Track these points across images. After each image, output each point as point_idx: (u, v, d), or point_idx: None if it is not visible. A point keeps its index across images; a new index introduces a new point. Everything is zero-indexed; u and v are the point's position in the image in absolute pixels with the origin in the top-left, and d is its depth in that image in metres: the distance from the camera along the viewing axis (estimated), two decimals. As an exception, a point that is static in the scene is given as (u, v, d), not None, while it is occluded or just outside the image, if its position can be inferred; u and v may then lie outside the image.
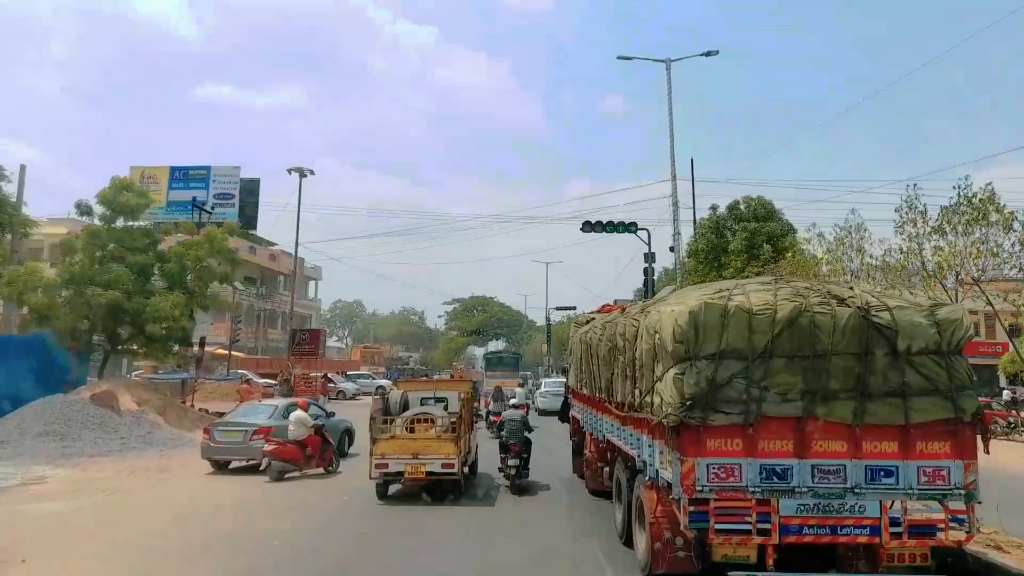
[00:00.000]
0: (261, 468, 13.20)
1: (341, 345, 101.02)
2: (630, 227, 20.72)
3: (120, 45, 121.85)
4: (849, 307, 5.70)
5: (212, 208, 49.22)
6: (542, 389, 29.97)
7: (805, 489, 5.54)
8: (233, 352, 48.16)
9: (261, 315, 51.38)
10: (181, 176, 49.60)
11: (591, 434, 10.68)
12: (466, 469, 11.60)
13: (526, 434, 11.98)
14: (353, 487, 11.84)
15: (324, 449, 13.59)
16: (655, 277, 22.17)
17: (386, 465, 10.63)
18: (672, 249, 24.04)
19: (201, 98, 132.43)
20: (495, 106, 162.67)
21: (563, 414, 14.82)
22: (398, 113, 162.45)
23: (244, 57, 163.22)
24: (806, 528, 5.54)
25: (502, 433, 12.04)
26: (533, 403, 27.55)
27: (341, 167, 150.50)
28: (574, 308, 53.74)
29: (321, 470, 13.51)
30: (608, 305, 13.19)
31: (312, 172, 36.86)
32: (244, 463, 14.20)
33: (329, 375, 39.07)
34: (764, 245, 25.24)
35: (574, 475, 13.00)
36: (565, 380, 18.33)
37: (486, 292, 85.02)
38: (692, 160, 39.53)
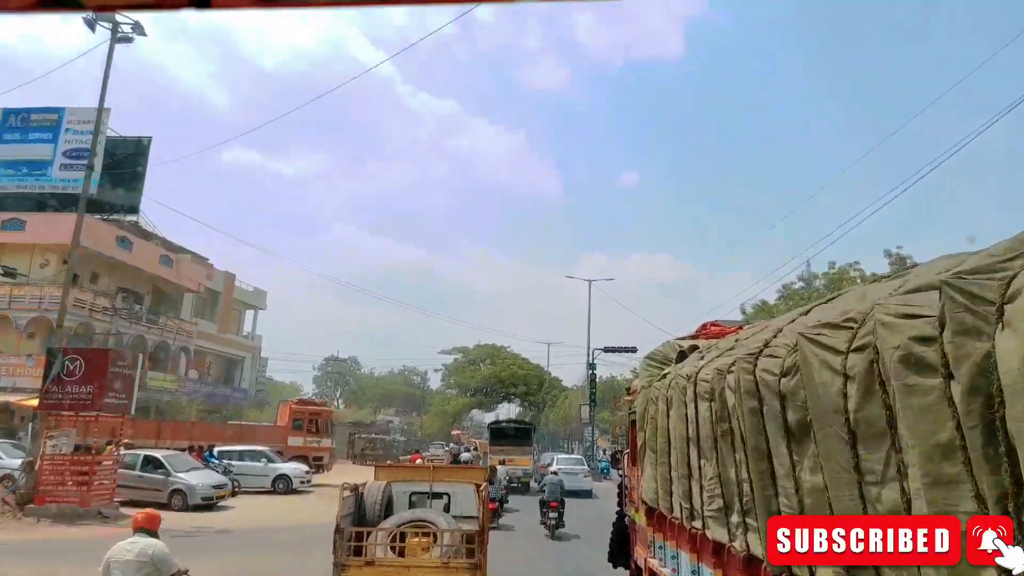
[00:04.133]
0: None
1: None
2: None
3: (148, 108, 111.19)
4: None
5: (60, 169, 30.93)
6: (554, 467, 25.39)
7: None
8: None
9: (128, 344, 31.35)
10: (18, 122, 31.49)
11: None
12: None
13: (561, 495, 15.45)
14: None
15: None
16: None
17: None
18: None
19: (228, 163, 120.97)
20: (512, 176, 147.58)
21: (616, 550, 8.61)
22: (416, 181, 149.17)
23: (272, 124, 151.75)
24: None
25: (543, 493, 15.87)
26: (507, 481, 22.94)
27: (359, 232, 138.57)
28: (634, 350, 33.92)
29: None
30: (714, 324, 7.24)
31: (142, 32, 18.45)
32: None
33: (159, 455, 19.12)
34: None
35: None
36: (621, 475, 10.85)
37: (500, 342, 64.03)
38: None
